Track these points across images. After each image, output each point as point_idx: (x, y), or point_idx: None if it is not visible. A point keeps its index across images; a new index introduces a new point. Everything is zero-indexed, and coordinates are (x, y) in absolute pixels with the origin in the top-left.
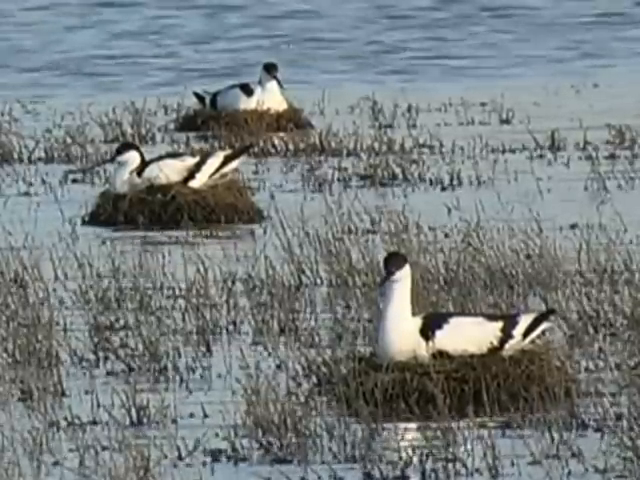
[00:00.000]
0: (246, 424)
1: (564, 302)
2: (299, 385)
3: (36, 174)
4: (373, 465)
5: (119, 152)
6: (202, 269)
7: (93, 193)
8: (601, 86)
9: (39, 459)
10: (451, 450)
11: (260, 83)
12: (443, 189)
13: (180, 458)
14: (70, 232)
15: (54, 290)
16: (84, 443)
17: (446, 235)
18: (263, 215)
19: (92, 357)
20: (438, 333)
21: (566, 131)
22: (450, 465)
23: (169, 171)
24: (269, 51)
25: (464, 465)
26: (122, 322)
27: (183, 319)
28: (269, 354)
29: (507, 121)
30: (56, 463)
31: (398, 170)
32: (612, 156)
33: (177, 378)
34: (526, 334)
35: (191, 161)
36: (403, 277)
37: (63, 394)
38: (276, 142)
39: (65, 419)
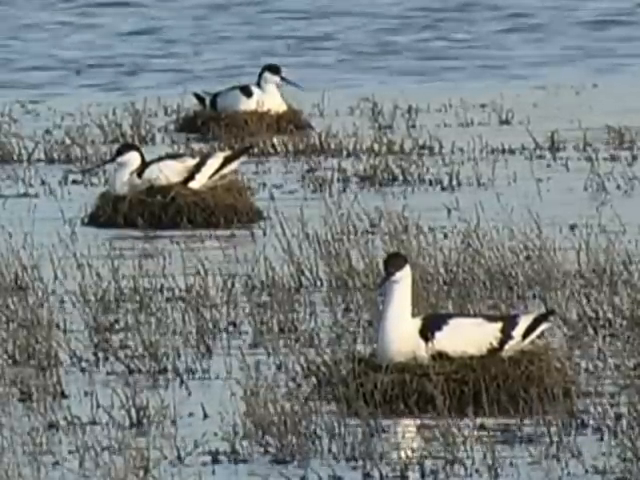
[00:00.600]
0: (246, 425)
1: (563, 303)
2: (299, 386)
3: (36, 175)
4: (373, 465)
5: (119, 153)
6: (202, 270)
7: (93, 194)
8: (601, 87)
9: (39, 460)
10: (450, 451)
11: (259, 85)
12: (443, 190)
13: (180, 459)
14: (70, 233)
15: (53, 291)
16: (84, 444)
17: (445, 236)
18: (263, 216)
19: (92, 358)
20: (438, 334)
21: (566, 132)
22: (449, 466)
23: (169, 172)
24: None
25: (463, 466)
26: (122, 323)
27: (183, 320)
28: (269, 355)
29: (507, 122)
30: (56, 463)
31: (398, 171)
32: (611, 157)
33: (177, 379)
34: (526, 335)
35: (191, 162)
36: (403, 278)
37: (63, 395)
38: (276, 143)
39: (65, 420)
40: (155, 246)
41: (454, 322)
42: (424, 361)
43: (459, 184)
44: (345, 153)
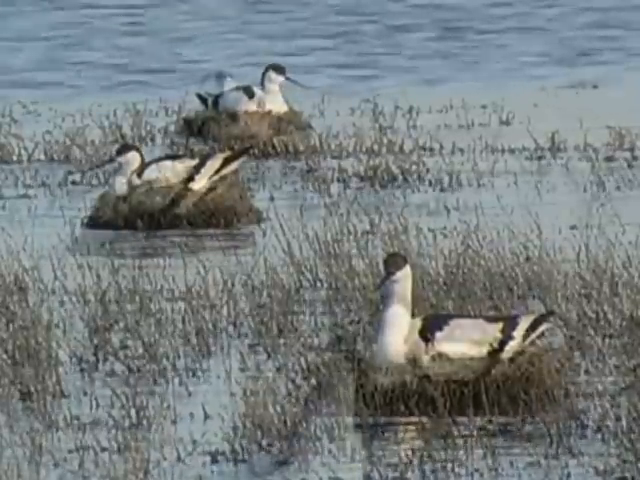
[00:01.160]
0: (246, 426)
1: (563, 304)
2: (298, 387)
3: (36, 176)
4: (373, 467)
5: (119, 153)
6: (201, 271)
7: (93, 195)
8: (601, 88)
9: (38, 460)
10: (451, 452)
11: (262, 85)
12: (442, 190)
13: (180, 459)
14: (70, 234)
15: (53, 291)
16: (84, 444)
17: (445, 237)
18: (262, 217)
19: (91, 358)
20: (438, 335)
21: (566, 133)
22: (450, 467)
23: (168, 173)
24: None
25: (464, 467)
26: (122, 324)
27: (183, 321)
28: (269, 356)
29: (507, 123)
30: (56, 464)
31: (398, 172)
32: (611, 158)
33: (176, 380)
34: (526, 336)
35: (190, 163)
36: (403, 278)
37: (62, 395)
38: (276, 143)
39: (64, 420)
40: (155, 247)
41: (454, 323)
42: (424, 362)
43: (459, 185)
44: (345, 153)
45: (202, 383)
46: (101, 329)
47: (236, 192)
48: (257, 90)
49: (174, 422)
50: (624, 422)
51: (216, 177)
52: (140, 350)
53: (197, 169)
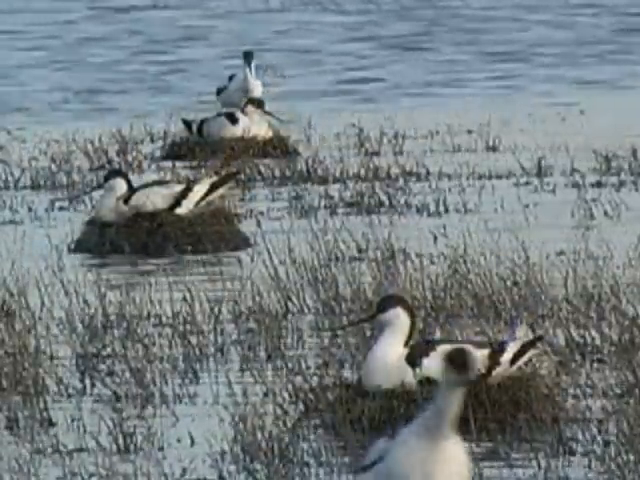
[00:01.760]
0: (233, 451)
1: (551, 329)
2: (286, 412)
3: (22, 202)
4: None
5: (106, 179)
6: (188, 296)
7: (79, 221)
8: (587, 113)
9: None
10: None
11: (243, 112)
12: (429, 216)
13: None
14: (56, 260)
15: (40, 318)
16: (71, 471)
17: (433, 262)
18: (249, 242)
19: (79, 385)
20: (425, 360)
21: (553, 158)
22: None
23: (155, 198)
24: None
25: None
26: (109, 350)
27: (170, 346)
28: (256, 381)
29: (494, 148)
30: None
31: (384, 197)
32: (599, 183)
33: (164, 405)
34: (514, 361)
35: (177, 188)
36: (392, 317)
37: (50, 422)
38: (262, 169)
39: (52, 447)
40: (142, 272)
41: (441, 348)
42: (412, 387)
43: (446, 210)
44: (332, 179)
45: (189, 409)
46: (88, 355)
47: (223, 217)
48: (240, 116)
49: (161, 448)
50: (612, 448)
51: (203, 202)
52: (127, 376)
53: (184, 195)
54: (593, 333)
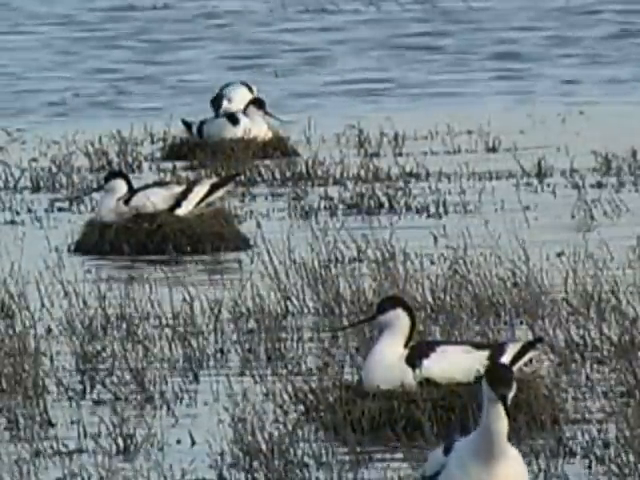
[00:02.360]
0: (233, 452)
1: (551, 330)
2: (286, 413)
3: (22, 203)
4: None
5: (107, 180)
6: (188, 297)
7: (79, 221)
8: (587, 114)
9: None
10: None
11: (245, 112)
12: (429, 217)
13: None
14: (56, 261)
15: (40, 319)
16: (71, 472)
17: (433, 263)
18: (249, 243)
19: (78, 386)
20: (425, 361)
21: (552, 159)
22: None
23: (155, 199)
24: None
25: None
26: (109, 351)
27: (170, 347)
28: (256, 382)
29: (493, 149)
30: None
31: (384, 198)
32: (598, 184)
33: (164, 406)
34: (513, 362)
35: (177, 189)
36: (391, 318)
37: (50, 423)
38: (262, 171)
39: (52, 448)
40: (142, 273)
41: (441, 349)
42: (412, 388)
43: (446, 211)
44: (332, 180)
45: (189, 410)
46: (88, 356)
47: (223, 219)
48: (241, 117)
49: (161, 449)
50: (612, 448)
51: (203, 204)
52: (127, 377)
53: (184, 195)
54: (593, 334)
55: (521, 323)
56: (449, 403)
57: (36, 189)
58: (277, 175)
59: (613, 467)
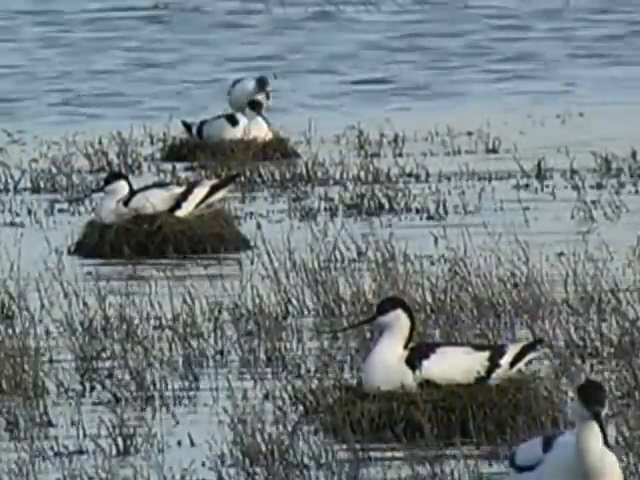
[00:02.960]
0: (233, 453)
1: (551, 331)
2: (286, 414)
3: (22, 204)
4: None
5: (107, 182)
6: (188, 299)
7: (79, 223)
8: (587, 115)
9: None
10: (438, 478)
11: (245, 113)
12: (429, 218)
13: None
14: (56, 262)
15: (40, 320)
16: (71, 473)
17: (433, 264)
18: (249, 244)
19: (78, 387)
20: (425, 362)
21: (552, 160)
22: None
23: (155, 200)
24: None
25: None
26: (108, 352)
27: (170, 349)
28: (256, 383)
29: (493, 150)
30: None
31: (384, 199)
32: (598, 185)
33: (164, 408)
34: (513, 364)
35: (177, 190)
36: (392, 319)
37: (49, 424)
38: (262, 172)
39: (51, 449)
40: (142, 275)
41: (441, 350)
42: (411, 389)
43: (446, 212)
44: (332, 181)
45: (189, 411)
46: (88, 357)
47: (223, 220)
48: (241, 118)
49: (161, 450)
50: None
51: (203, 205)
52: (127, 378)
53: (184, 197)
54: (593, 335)
55: (521, 324)
56: (449, 404)
57: (36, 190)
58: (277, 176)
59: None
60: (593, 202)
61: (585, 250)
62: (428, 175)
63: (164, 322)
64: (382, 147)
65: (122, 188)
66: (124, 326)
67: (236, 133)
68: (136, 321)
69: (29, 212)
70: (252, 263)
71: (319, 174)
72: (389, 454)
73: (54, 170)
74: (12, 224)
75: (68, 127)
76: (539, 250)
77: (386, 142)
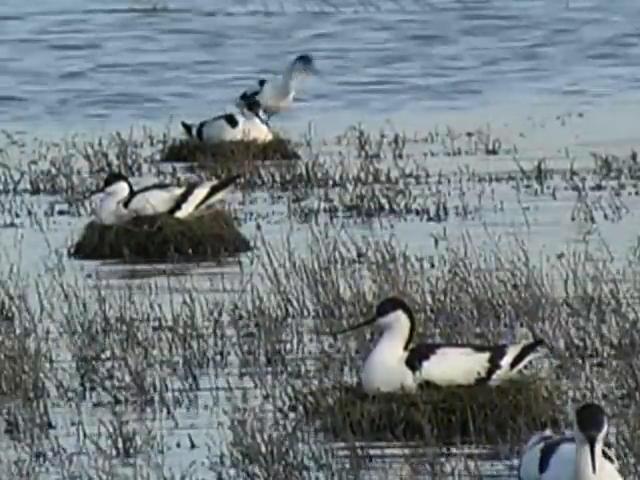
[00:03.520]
0: (233, 454)
1: (551, 332)
2: (286, 415)
3: (22, 205)
4: None
5: (108, 183)
6: (188, 300)
7: (79, 224)
8: (586, 117)
9: None
10: (438, 479)
11: (244, 114)
12: (429, 219)
13: None
14: (56, 263)
15: (40, 321)
16: (70, 474)
17: (433, 265)
18: (249, 246)
19: (78, 388)
20: (425, 363)
21: (552, 161)
22: None
23: (155, 202)
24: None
25: None
26: (108, 353)
27: (170, 350)
28: (256, 385)
29: (493, 151)
30: None
31: (384, 200)
32: (598, 186)
33: (164, 409)
34: (513, 365)
35: (177, 191)
36: (392, 320)
37: (49, 425)
38: (262, 173)
39: (51, 450)
40: (142, 276)
41: (441, 351)
42: (411, 390)
43: (446, 213)
44: (332, 182)
45: (189, 412)
46: (88, 359)
47: (223, 221)
48: (240, 119)
49: (161, 452)
50: (612, 450)
51: (203, 206)
52: (127, 380)
53: (184, 198)
54: (593, 336)
55: (521, 325)
56: (449, 405)
57: (36, 191)
58: (277, 177)
59: None
60: (593, 203)
61: (585, 251)
62: (428, 176)
63: (164, 323)
64: (382, 148)
65: (122, 189)
66: (124, 327)
67: (236, 134)
68: (136, 322)
69: (29, 213)
70: (252, 264)
71: (319, 175)
72: (389, 455)
73: (54, 171)
74: (12, 225)
75: (68, 128)
76: (539, 251)
77: (386, 143)
